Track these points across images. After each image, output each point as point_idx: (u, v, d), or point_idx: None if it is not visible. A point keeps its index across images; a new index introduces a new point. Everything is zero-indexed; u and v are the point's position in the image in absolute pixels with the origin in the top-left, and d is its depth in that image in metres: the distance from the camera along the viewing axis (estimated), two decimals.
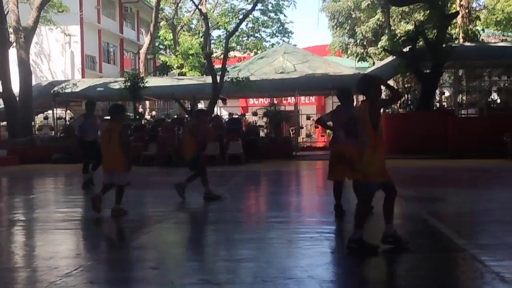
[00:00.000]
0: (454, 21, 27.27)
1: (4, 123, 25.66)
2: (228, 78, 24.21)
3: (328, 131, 27.73)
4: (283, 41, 44.75)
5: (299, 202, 10.67)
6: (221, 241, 6.82)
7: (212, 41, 29.65)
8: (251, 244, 6.48)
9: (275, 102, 25.81)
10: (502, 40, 34.00)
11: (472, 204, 9.40)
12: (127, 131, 8.50)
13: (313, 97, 32.24)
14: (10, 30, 24.55)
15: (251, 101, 32.48)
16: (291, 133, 26.12)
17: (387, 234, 5.87)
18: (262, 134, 23.64)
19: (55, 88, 25.66)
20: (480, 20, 38.54)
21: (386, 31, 34.73)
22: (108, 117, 10.97)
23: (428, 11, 25.11)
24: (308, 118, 29.39)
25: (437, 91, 24.45)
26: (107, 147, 8.21)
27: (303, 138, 28.63)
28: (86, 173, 12.00)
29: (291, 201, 10.65)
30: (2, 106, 24.32)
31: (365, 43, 40.11)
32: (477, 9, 39.19)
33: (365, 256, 5.73)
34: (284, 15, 45.49)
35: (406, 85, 24.62)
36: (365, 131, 5.75)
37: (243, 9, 31.50)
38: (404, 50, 23.02)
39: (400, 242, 5.83)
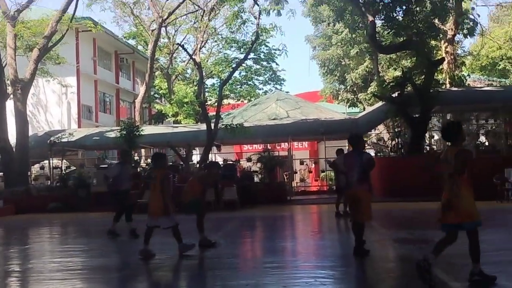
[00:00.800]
0: (441, 67, 27.65)
1: (1, 173, 25.55)
2: (222, 125, 24.26)
3: (322, 175, 27.83)
4: (276, 88, 45.21)
5: (294, 247, 10.56)
6: None
7: (206, 89, 29.92)
8: None
9: (269, 147, 25.86)
10: (488, 85, 34.46)
11: (465, 246, 9.32)
12: (168, 179, 8.85)
13: (306, 142, 32.31)
14: (8, 82, 24.74)
15: (245, 147, 32.50)
16: (285, 178, 26.08)
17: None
18: (256, 179, 23.55)
19: (52, 138, 25.64)
20: (465, 65, 39.18)
21: (375, 78, 35.16)
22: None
23: (415, 58, 25.50)
24: (301, 163, 29.42)
25: (427, 135, 24.58)
26: (152, 193, 8.74)
27: (297, 183, 28.56)
28: (117, 222, 11.96)
29: (286, 246, 10.55)
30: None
31: (355, 89, 40.56)
32: (462, 55, 39.82)
33: None
34: (276, 64, 46.07)
35: (396, 130, 24.75)
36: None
37: (236, 58, 31.89)
38: (393, 95, 23.24)
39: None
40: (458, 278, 6.62)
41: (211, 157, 26.34)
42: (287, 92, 41.60)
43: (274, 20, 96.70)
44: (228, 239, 11.77)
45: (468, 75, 35.52)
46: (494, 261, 7.81)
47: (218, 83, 29.37)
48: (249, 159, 26.01)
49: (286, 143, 26.38)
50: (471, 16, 33.59)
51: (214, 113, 25.64)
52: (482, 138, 25.58)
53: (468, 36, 33.23)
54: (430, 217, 14.54)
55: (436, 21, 25.91)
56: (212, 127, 23.63)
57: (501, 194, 18.78)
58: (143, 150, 31.91)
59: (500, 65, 41.84)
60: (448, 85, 28.76)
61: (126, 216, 12.07)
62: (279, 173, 25.00)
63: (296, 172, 28.11)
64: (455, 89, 27.81)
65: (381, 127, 28.21)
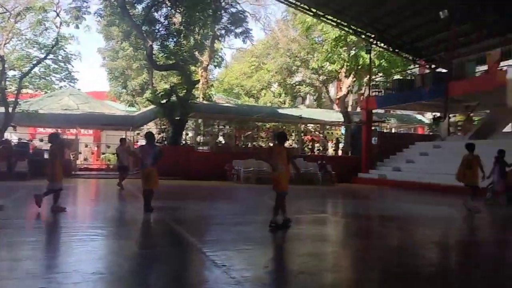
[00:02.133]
0: (197, 86, 28.56)
1: None
2: (20, 109, 21.82)
3: (102, 156, 26.33)
4: (70, 85, 41.59)
5: (75, 211, 9.79)
6: (3, 244, 5.89)
7: (8, 79, 26.06)
8: (30, 245, 5.73)
9: (60, 131, 23.64)
10: (227, 102, 36.75)
11: (203, 212, 9.76)
12: None
13: (91, 130, 30.42)
14: None
15: (39, 129, 29.25)
16: (71, 156, 24.14)
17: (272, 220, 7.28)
18: (46, 156, 21.31)
19: None
20: (214, 87, 41.14)
21: (150, 87, 34.76)
22: None
23: (180, 77, 25.87)
24: (86, 146, 27.64)
25: (184, 133, 25.18)
26: None
27: (81, 161, 26.64)
28: None
29: (69, 210, 9.75)
30: None
31: (134, 93, 39.59)
32: (212, 79, 41.78)
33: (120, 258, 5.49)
34: (72, 65, 42.39)
35: (162, 127, 24.89)
36: (282, 160, 7.16)
37: (37, 56, 28.44)
38: (162, 102, 23.33)
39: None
40: (194, 234, 6.86)
41: (7, 135, 23.10)
42: (79, 89, 38.58)
43: (73, 31, 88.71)
44: (18, 203, 10.44)
45: (215, 94, 37.39)
46: (222, 223, 8.32)
47: (20, 75, 25.95)
48: (41, 140, 23.53)
49: (75, 129, 24.56)
50: (220, 54, 35.48)
51: (13, 99, 22.65)
52: (221, 138, 27.06)
53: (217, 67, 35.05)
54: (177, 191, 14.95)
55: (197, 53, 26.69)
56: (10, 111, 20.97)
57: (230, 177, 20.17)
58: None
59: (235, 90, 44.94)
60: (201, 99, 29.85)
61: None
62: (66, 153, 23.03)
63: (80, 153, 26.24)
64: (206, 102, 29.02)
65: (151, 124, 27.98)
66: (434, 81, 20.79)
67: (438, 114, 22.79)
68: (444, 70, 21.31)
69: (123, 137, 18.07)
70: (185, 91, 23.61)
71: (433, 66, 23.38)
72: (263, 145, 26.28)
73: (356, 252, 6.27)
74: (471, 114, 24.36)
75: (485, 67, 19.53)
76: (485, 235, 8.50)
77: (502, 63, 18.27)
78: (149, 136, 9.51)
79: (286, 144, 7.91)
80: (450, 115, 23.98)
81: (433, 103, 21.45)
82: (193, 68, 28.12)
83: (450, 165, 17.60)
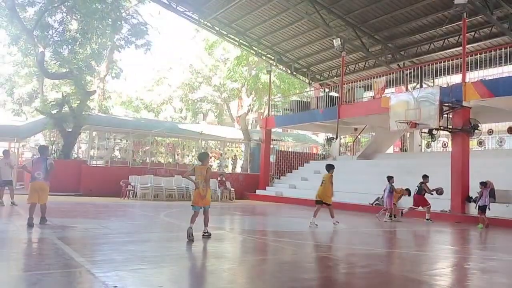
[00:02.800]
0: (92, 97, 27.22)
1: None
2: None
3: None
4: None
5: None
6: None
7: None
8: None
9: None
10: (125, 115, 35.44)
11: (94, 230, 9.21)
12: None
13: None
14: None
15: None
16: None
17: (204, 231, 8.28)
18: None
19: None
20: (111, 99, 39.52)
21: (40, 96, 32.30)
22: None
23: (74, 87, 24.46)
24: None
25: (76, 146, 23.73)
26: None
27: None
28: None
29: None
30: None
31: (21, 102, 36.40)
32: (110, 91, 40.08)
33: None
34: None
35: (51, 139, 23.18)
36: (202, 178, 7.96)
37: None
38: (53, 112, 21.83)
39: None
40: (83, 254, 6.44)
41: None
42: None
43: None
44: None
45: (112, 106, 35.88)
46: (113, 242, 7.91)
47: None
48: None
49: None
50: (119, 65, 34.27)
51: None
52: (117, 152, 25.99)
53: (115, 78, 33.71)
54: (67, 209, 13.97)
55: (93, 62, 25.46)
56: None
57: (125, 193, 19.37)
58: None
59: (134, 103, 43.56)
60: (97, 111, 28.44)
61: None
62: None
63: None
64: (102, 114, 27.69)
65: (39, 136, 25.94)
66: (327, 104, 22.20)
67: (330, 135, 24.32)
68: (336, 94, 22.87)
69: (7, 149, 16.58)
70: (78, 101, 22.36)
71: (326, 90, 24.99)
72: (162, 161, 25.72)
73: (251, 268, 6.36)
74: (359, 136, 26.38)
75: (372, 93, 21.35)
76: (370, 248, 9.18)
77: (386, 90, 20.13)
78: (42, 149, 9.55)
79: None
80: (341, 136, 25.76)
81: (326, 124, 22.87)
82: (88, 78, 26.76)
83: (340, 184, 18.82)
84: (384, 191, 13.99)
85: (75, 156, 23.61)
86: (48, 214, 9.52)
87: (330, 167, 11.62)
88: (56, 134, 22.67)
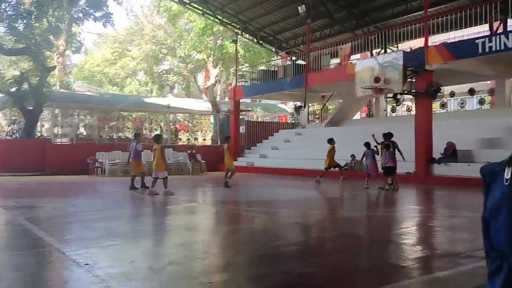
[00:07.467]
0: (53, 72, 26.25)
1: None
2: None
3: None
4: None
5: None
6: None
7: None
8: None
9: None
10: (88, 90, 34.45)
11: (62, 209, 9.05)
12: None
13: None
14: None
15: None
16: None
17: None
18: None
19: None
20: (72, 74, 38.26)
21: None
22: None
23: (32, 63, 23.47)
24: None
25: (39, 124, 23.01)
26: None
27: None
28: None
29: None
30: None
31: None
32: (70, 66, 38.73)
33: None
34: None
35: (12, 118, 22.36)
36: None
37: None
38: (12, 90, 20.99)
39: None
40: (52, 234, 6.34)
41: None
42: None
43: None
44: None
45: (74, 81, 34.78)
46: (82, 220, 7.82)
47: None
48: None
49: None
50: (79, 38, 33.06)
51: None
52: (82, 129, 25.33)
53: (75, 53, 32.57)
54: (32, 188, 13.67)
55: (51, 37, 24.38)
56: None
57: (93, 170, 19.06)
58: None
59: (97, 77, 42.31)
60: (58, 87, 27.53)
61: None
62: None
63: None
64: (63, 90, 26.85)
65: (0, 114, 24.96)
66: (294, 73, 22.19)
67: (299, 104, 24.43)
68: (303, 62, 22.85)
69: None
70: (38, 78, 21.53)
71: (293, 58, 24.91)
72: (130, 136, 25.29)
73: (224, 238, 6.44)
74: (327, 104, 26.62)
75: (338, 60, 21.44)
76: (341, 212, 9.43)
77: (352, 57, 20.23)
78: None
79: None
80: (310, 105, 25.93)
81: (294, 93, 22.91)
82: (47, 53, 25.69)
83: (310, 151, 19.04)
84: (366, 157, 13.14)
85: (39, 135, 22.90)
86: (15, 195, 9.29)
87: (330, 141, 14.44)
88: (17, 113, 21.87)
